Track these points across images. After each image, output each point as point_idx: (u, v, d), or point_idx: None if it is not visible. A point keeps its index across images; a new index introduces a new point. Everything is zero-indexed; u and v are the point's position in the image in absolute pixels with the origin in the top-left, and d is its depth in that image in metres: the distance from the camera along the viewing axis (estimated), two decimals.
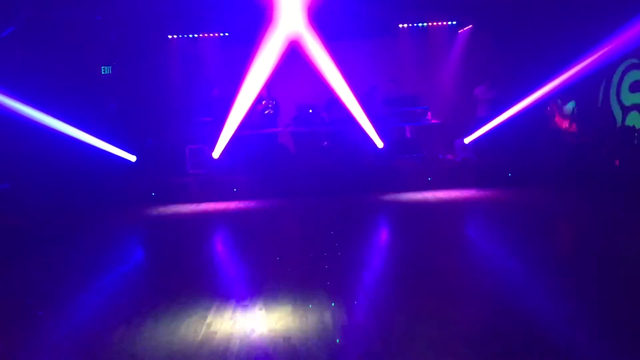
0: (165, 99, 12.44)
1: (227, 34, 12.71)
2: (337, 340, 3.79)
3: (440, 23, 13.11)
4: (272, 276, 5.43)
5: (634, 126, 9.60)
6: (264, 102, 11.68)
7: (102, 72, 12.27)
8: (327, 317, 4.22)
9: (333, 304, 4.48)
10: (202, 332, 4.00)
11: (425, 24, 13.05)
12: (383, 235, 8.10)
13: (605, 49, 8.96)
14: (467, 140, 11.45)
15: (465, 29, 13.00)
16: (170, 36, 12.72)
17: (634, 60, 9.73)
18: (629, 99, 9.90)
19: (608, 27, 8.92)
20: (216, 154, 10.84)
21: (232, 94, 10.47)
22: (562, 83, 9.86)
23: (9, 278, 5.93)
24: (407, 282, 5.20)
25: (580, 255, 6.11)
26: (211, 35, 12.89)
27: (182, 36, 12.87)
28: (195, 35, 12.89)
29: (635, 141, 9.32)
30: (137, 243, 7.95)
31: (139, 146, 11.35)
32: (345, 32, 12.00)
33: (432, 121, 11.94)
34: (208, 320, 4.22)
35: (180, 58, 12.90)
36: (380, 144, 11.11)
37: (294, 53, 9.88)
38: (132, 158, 11.06)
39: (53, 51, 10.82)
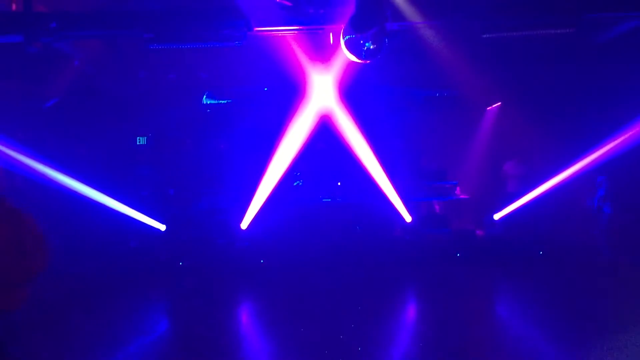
0: (196, 169, 12.65)
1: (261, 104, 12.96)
2: None
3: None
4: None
5: None
6: (294, 174, 11.81)
7: (138, 143, 12.62)
8: None
9: None
10: None
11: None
12: (410, 311, 7.93)
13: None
14: (496, 216, 11.33)
15: (494, 105, 13.14)
16: (207, 102, 12.98)
17: None
18: None
19: None
20: (244, 224, 10.90)
21: (263, 165, 10.65)
22: (594, 160, 9.80)
23: (25, 349, 5.91)
24: None
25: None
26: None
27: (218, 102, 13.13)
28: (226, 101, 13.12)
29: None
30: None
31: (169, 214, 11.46)
32: (375, 107, 12.21)
33: (461, 196, 11.87)
34: None
35: (213, 126, 13.17)
36: (408, 217, 11.06)
37: (324, 127, 10.08)
38: (162, 227, 11.16)
39: (91, 121, 11.21)
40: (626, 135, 9.22)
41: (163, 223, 11.16)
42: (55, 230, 10.03)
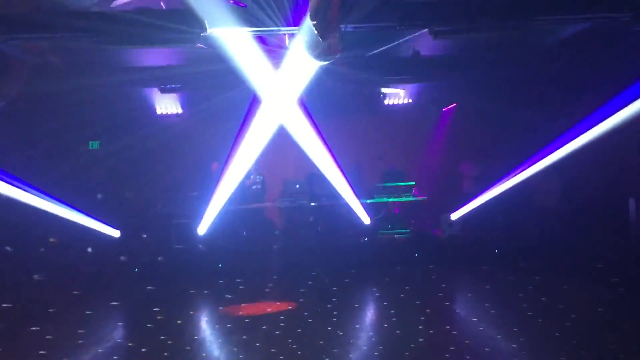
0: (152, 173, 12.42)
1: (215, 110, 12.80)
2: None
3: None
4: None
5: None
6: (251, 177, 11.71)
7: (90, 147, 12.31)
8: None
9: None
10: None
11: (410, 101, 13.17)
12: (370, 312, 7.95)
13: (591, 127, 9.11)
14: (453, 216, 11.48)
15: (449, 107, 13.30)
16: (159, 111, 12.70)
17: None
18: None
19: (592, 104, 9.11)
20: (202, 229, 10.74)
21: (220, 170, 10.52)
22: (547, 160, 10.00)
23: None
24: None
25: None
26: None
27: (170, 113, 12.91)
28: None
29: None
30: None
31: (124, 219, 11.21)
32: (332, 110, 12.20)
33: (418, 197, 12.00)
34: None
35: (167, 133, 12.93)
36: (366, 219, 11.11)
37: (282, 130, 10.01)
38: (116, 233, 10.90)
39: (40, 126, 10.86)
40: (579, 135, 9.42)
41: (117, 229, 10.90)
42: (6, 238, 9.73)
